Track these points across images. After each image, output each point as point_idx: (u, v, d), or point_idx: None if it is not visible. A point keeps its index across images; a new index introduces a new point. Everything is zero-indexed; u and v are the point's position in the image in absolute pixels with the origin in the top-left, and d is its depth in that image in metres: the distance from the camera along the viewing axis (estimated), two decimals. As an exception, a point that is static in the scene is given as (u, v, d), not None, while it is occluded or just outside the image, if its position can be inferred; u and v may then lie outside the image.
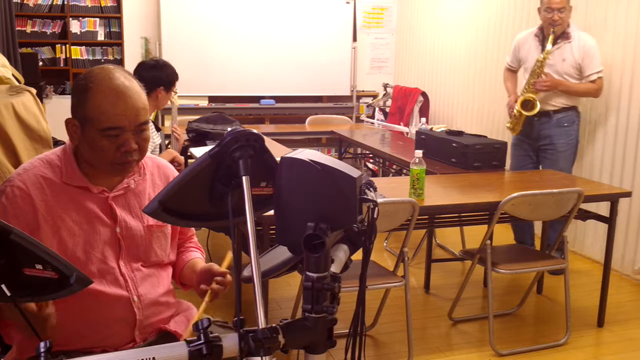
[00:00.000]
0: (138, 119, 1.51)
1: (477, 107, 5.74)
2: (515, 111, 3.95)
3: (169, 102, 3.47)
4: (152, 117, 3.65)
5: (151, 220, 1.64)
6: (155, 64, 3.34)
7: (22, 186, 1.51)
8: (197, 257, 1.80)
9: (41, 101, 2.79)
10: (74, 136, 1.55)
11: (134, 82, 1.54)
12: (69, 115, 1.55)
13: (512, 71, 4.21)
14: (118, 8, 6.40)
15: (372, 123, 6.35)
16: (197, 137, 4.20)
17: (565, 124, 3.88)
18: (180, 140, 3.81)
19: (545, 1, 3.77)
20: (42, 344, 0.89)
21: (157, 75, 3.24)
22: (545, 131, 3.92)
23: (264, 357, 0.92)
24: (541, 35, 3.89)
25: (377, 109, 6.78)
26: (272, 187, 1.05)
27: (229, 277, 1.60)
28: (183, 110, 5.89)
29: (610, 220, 3.16)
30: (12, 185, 1.51)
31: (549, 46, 3.77)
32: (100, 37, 6.42)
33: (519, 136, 4.04)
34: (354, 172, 1.00)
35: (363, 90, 7.30)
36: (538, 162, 4.04)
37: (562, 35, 3.79)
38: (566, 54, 3.78)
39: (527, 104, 3.87)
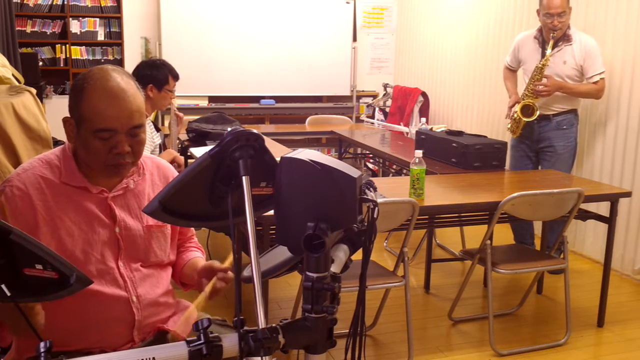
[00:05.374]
0: (131, 121, 1.50)
1: (477, 107, 5.74)
2: (515, 115, 3.95)
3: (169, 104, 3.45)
4: (152, 117, 3.64)
5: (151, 221, 1.63)
6: (152, 63, 3.34)
7: (21, 186, 1.51)
8: (197, 257, 1.80)
9: (41, 101, 2.79)
10: (70, 135, 1.55)
11: (131, 84, 1.53)
12: (69, 115, 1.55)
13: (512, 70, 4.21)
14: (118, 8, 6.40)
15: (372, 123, 6.35)
16: (197, 137, 4.20)
17: (565, 127, 3.88)
18: (180, 123, 3.75)
19: (544, 5, 3.74)
20: (42, 344, 0.89)
21: (149, 73, 3.23)
22: (545, 134, 3.92)
23: (264, 357, 0.92)
24: (541, 37, 3.88)
25: (377, 109, 6.78)
26: (272, 187, 1.05)
27: (230, 273, 1.59)
28: (183, 111, 5.86)
29: (610, 220, 3.16)
30: (11, 186, 1.51)
31: (548, 51, 3.76)
32: (100, 37, 6.42)
33: (518, 137, 4.04)
34: (354, 172, 1.00)
35: (363, 90, 7.31)
36: (537, 164, 4.04)
37: (563, 38, 3.78)
38: (567, 56, 3.78)
39: (527, 110, 3.87)
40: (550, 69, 3.80)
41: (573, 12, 3.82)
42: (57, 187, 1.54)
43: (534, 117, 3.84)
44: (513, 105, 3.99)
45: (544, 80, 3.77)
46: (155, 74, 3.25)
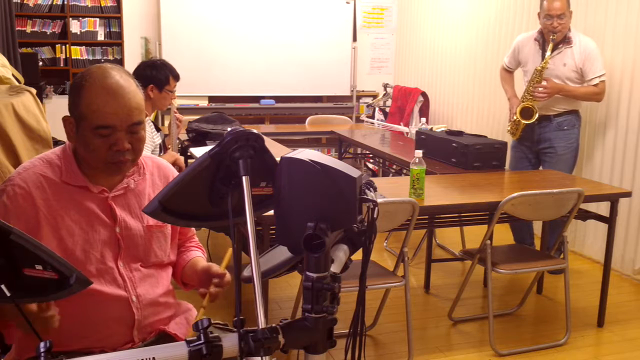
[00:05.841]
0: (130, 118, 1.50)
1: (477, 107, 5.74)
2: (514, 118, 3.95)
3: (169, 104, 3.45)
4: (152, 117, 3.64)
5: (151, 221, 1.63)
6: (151, 63, 3.34)
7: (23, 185, 1.51)
8: (198, 256, 1.80)
9: (41, 101, 2.79)
10: (70, 134, 1.56)
11: (130, 82, 1.53)
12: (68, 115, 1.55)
13: (509, 72, 4.20)
14: (118, 8, 6.40)
15: (372, 123, 6.35)
16: (197, 137, 4.20)
17: (565, 127, 3.87)
18: (180, 126, 3.76)
19: (544, 7, 3.74)
20: (42, 344, 0.89)
21: (150, 74, 3.23)
22: (545, 135, 3.91)
23: (264, 357, 0.92)
24: (541, 39, 3.88)
25: (377, 109, 6.78)
26: (272, 187, 1.04)
27: (227, 277, 1.59)
28: (183, 110, 5.87)
29: (610, 220, 3.16)
30: (13, 185, 1.51)
31: (547, 53, 3.76)
32: (100, 37, 6.42)
33: (519, 139, 4.04)
34: (354, 172, 1.00)
35: (363, 90, 7.31)
36: (537, 165, 4.04)
37: (563, 40, 3.77)
38: (567, 58, 3.77)
39: (527, 112, 3.86)
40: (551, 71, 3.80)
41: (573, 14, 3.81)
42: (58, 186, 1.54)
43: (534, 120, 3.83)
44: (514, 108, 3.98)
45: (543, 83, 3.77)
46: (156, 74, 3.26)
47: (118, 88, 1.49)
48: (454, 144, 3.72)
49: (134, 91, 1.53)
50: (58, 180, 1.55)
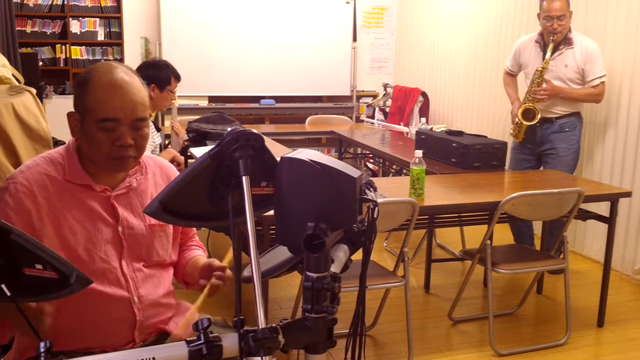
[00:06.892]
0: (135, 113, 1.51)
1: (477, 107, 5.74)
2: (516, 120, 3.94)
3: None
4: (152, 117, 3.65)
5: (153, 220, 1.63)
6: (153, 63, 3.35)
7: (25, 183, 1.51)
8: (199, 255, 1.80)
9: (41, 101, 2.80)
10: (74, 130, 1.57)
11: (134, 78, 1.55)
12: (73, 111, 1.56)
13: (512, 75, 4.20)
14: (118, 8, 6.40)
15: (372, 123, 6.35)
16: (197, 137, 4.20)
17: (567, 129, 3.87)
18: (180, 135, 3.80)
19: (544, 8, 3.73)
20: (42, 344, 0.89)
21: (152, 73, 3.25)
22: (547, 136, 3.90)
23: (264, 357, 0.92)
24: (542, 41, 3.87)
25: (377, 109, 6.78)
26: (272, 187, 1.05)
27: (228, 271, 1.59)
28: (183, 110, 5.90)
29: (610, 220, 3.16)
30: (15, 182, 1.51)
31: (548, 54, 3.76)
32: (100, 37, 6.42)
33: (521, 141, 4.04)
34: (354, 172, 1.00)
35: (363, 90, 7.31)
36: (537, 168, 4.03)
37: (564, 41, 3.77)
38: (568, 59, 3.77)
39: (528, 114, 3.86)
40: (553, 72, 3.80)
41: (573, 14, 3.81)
42: (61, 184, 1.55)
43: (536, 121, 3.83)
44: (516, 112, 3.98)
45: (544, 84, 3.76)
46: (158, 74, 3.27)
47: (123, 83, 1.51)
48: (454, 144, 3.72)
49: (139, 87, 1.55)
50: (61, 179, 1.55)
